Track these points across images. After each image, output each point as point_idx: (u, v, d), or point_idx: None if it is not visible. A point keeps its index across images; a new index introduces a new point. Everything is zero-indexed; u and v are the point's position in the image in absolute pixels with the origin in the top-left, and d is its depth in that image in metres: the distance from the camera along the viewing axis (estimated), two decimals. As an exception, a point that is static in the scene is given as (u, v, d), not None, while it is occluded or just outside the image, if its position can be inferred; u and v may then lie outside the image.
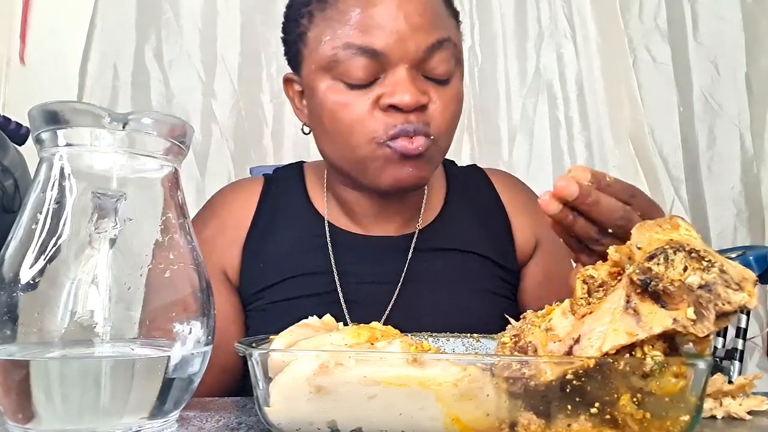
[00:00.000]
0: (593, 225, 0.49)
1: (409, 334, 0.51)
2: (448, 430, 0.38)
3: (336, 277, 0.75)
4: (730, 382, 0.49)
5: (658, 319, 0.37)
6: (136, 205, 0.42)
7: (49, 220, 0.39)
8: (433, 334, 0.53)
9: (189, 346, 0.41)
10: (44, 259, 0.38)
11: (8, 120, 0.96)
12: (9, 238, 0.40)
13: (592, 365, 0.37)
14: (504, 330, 0.46)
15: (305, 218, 0.79)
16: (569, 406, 0.37)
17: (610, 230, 0.49)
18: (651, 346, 0.38)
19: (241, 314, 0.78)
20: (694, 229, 0.40)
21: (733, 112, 1.71)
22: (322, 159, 0.78)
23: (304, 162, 0.88)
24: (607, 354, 0.37)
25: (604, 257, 0.43)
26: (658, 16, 1.76)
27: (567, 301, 0.43)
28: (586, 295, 0.43)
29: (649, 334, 0.37)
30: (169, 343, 0.40)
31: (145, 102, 1.55)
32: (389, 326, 0.48)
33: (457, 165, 0.89)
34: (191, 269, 0.43)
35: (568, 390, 0.37)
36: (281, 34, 0.76)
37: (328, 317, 0.50)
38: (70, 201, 0.40)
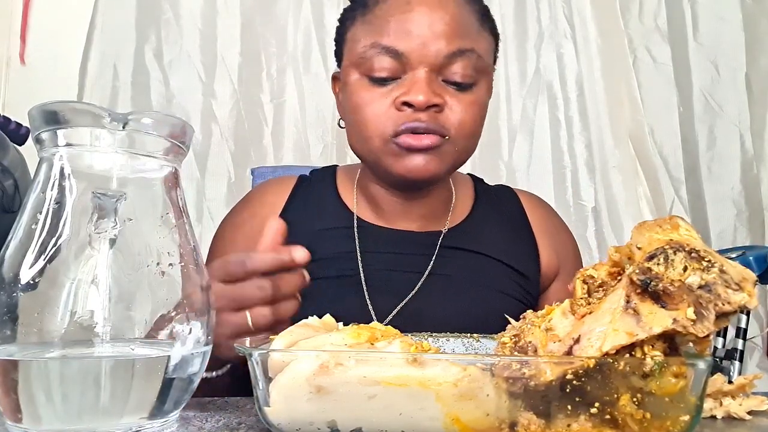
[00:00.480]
0: None
1: (410, 334, 0.51)
2: (448, 430, 0.38)
3: (360, 262, 0.78)
4: (730, 382, 0.49)
5: (658, 319, 0.37)
6: (136, 205, 0.42)
7: (49, 220, 0.39)
8: (433, 334, 0.53)
9: (189, 346, 0.41)
10: (44, 259, 0.38)
11: (8, 120, 0.96)
12: (9, 238, 0.40)
13: (592, 365, 0.37)
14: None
15: (334, 211, 0.84)
16: (569, 406, 0.37)
17: None
18: (651, 346, 0.38)
19: None
20: (694, 230, 0.40)
21: (733, 113, 1.71)
22: (351, 163, 0.85)
23: (338, 166, 0.93)
24: (607, 354, 0.37)
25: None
26: (658, 16, 1.76)
27: (567, 301, 0.43)
28: (586, 295, 0.43)
29: (649, 334, 0.37)
30: (169, 343, 0.40)
31: (145, 102, 1.55)
32: (389, 326, 0.48)
33: (486, 183, 0.94)
34: (191, 269, 0.43)
35: (568, 390, 0.37)
36: (335, 36, 0.82)
37: (328, 317, 0.50)
38: (70, 201, 0.40)
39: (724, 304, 0.37)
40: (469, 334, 0.53)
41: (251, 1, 1.62)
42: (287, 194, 0.85)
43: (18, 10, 1.62)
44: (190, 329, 0.41)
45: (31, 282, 0.38)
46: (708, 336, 0.37)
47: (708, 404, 0.48)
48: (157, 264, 0.41)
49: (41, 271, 0.38)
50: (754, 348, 1.67)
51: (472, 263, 0.81)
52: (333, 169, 0.91)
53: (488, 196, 0.89)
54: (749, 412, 0.48)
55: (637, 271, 0.38)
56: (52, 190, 0.40)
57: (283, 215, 0.83)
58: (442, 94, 0.72)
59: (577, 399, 0.37)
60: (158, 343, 0.40)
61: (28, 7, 1.62)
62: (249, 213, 0.85)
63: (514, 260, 0.82)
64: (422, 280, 0.78)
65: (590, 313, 0.41)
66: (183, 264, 0.43)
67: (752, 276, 0.37)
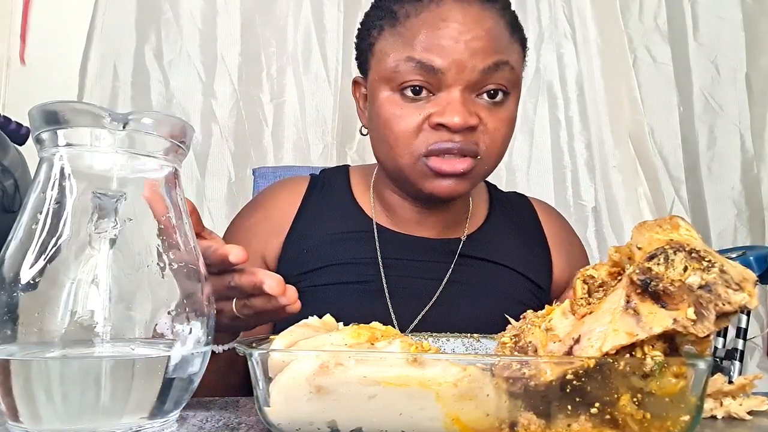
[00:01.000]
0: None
1: (410, 334, 0.51)
2: (448, 430, 0.38)
3: (381, 268, 0.78)
4: (730, 382, 0.49)
5: (658, 320, 0.37)
6: (136, 205, 0.42)
7: (49, 220, 0.39)
8: (434, 334, 0.53)
9: (189, 346, 0.41)
10: (44, 259, 0.38)
11: (8, 120, 0.96)
12: (9, 238, 0.40)
13: (592, 365, 0.37)
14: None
15: (352, 214, 0.83)
16: (569, 406, 0.37)
17: None
18: (651, 347, 0.38)
19: None
20: (694, 229, 0.40)
21: (734, 112, 1.71)
22: (364, 163, 0.85)
23: (349, 165, 0.92)
24: (607, 354, 0.37)
25: None
26: (658, 16, 1.75)
27: (567, 301, 0.43)
28: (586, 295, 0.43)
29: (649, 335, 0.37)
30: (169, 343, 0.40)
31: (145, 102, 1.55)
32: (389, 326, 0.48)
33: (500, 189, 0.93)
34: (191, 269, 0.43)
35: (568, 390, 0.37)
36: (355, 40, 0.81)
37: (328, 317, 0.50)
38: (70, 201, 0.40)
39: (724, 304, 0.37)
40: (469, 334, 0.53)
41: (251, 1, 1.62)
42: (301, 196, 0.85)
43: (18, 10, 1.62)
44: (190, 329, 0.41)
45: (32, 282, 0.38)
46: (708, 336, 0.37)
47: (708, 404, 0.48)
48: (158, 264, 0.41)
49: (41, 271, 0.38)
50: (755, 348, 1.66)
51: (489, 271, 0.81)
52: (345, 169, 0.90)
53: (503, 204, 0.89)
54: (750, 413, 0.48)
55: (638, 271, 0.38)
56: (52, 190, 0.40)
57: (297, 217, 0.82)
58: (478, 111, 0.70)
59: (578, 399, 0.37)
60: (158, 342, 0.40)
61: (28, 7, 1.62)
62: (262, 215, 0.84)
63: (529, 269, 0.82)
64: (441, 287, 0.78)
65: (590, 313, 0.41)
66: (183, 264, 0.43)
67: (752, 276, 0.37)
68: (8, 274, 0.38)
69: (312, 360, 0.38)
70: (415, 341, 0.45)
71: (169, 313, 0.41)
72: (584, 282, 0.43)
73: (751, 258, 1.23)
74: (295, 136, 1.62)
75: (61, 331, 0.37)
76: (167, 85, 1.57)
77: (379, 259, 0.78)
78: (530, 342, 0.42)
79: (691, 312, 0.37)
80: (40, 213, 0.39)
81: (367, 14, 0.79)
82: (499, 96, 0.72)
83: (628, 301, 0.39)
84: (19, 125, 0.97)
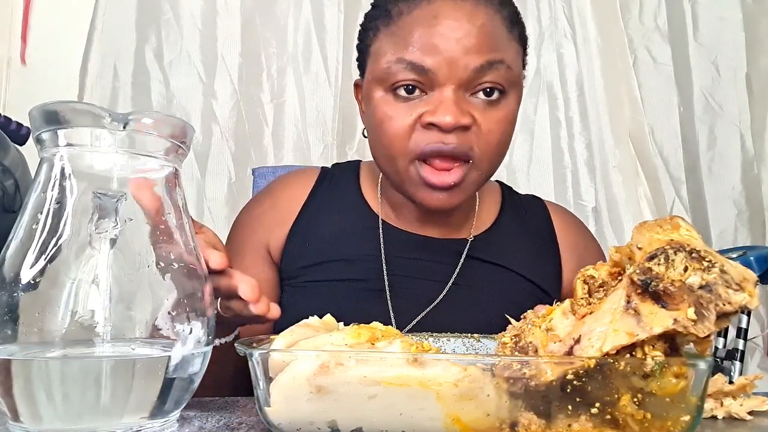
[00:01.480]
0: None
1: (410, 334, 0.51)
2: (448, 430, 0.38)
3: (384, 266, 0.77)
4: (730, 382, 0.49)
5: (658, 320, 0.37)
6: (136, 205, 0.42)
7: (49, 220, 0.39)
8: (434, 334, 0.53)
9: (189, 346, 0.41)
10: (45, 259, 0.38)
11: (9, 120, 0.96)
12: (9, 238, 0.40)
13: (592, 365, 0.37)
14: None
15: (358, 210, 0.82)
16: (570, 407, 0.37)
17: None
18: (651, 347, 0.38)
19: (276, 290, 0.80)
20: (694, 230, 0.40)
21: (734, 113, 1.71)
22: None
23: (361, 161, 0.91)
24: (607, 354, 0.37)
25: None
26: (658, 16, 1.75)
27: (567, 301, 0.43)
28: (587, 295, 0.43)
29: (650, 335, 0.37)
30: (169, 342, 0.40)
31: (146, 102, 1.55)
32: (389, 326, 0.48)
33: (516, 192, 0.92)
34: (192, 269, 0.43)
35: (568, 390, 0.37)
36: (356, 42, 0.80)
37: (328, 317, 0.50)
38: (71, 201, 0.40)
39: (724, 305, 0.37)
40: (469, 334, 0.53)
41: (251, 1, 1.62)
42: (310, 187, 0.84)
43: (18, 11, 1.62)
44: (191, 329, 0.41)
45: (32, 282, 0.38)
46: (709, 336, 0.37)
47: (709, 404, 0.48)
48: (158, 264, 0.41)
49: (42, 271, 0.38)
50: (755, 348, 1.66)
51: (494, 275, 0.79)
52: (356, 164, 0.89)
53: (515, 207, 0.87)
54: (750, 413, 0.48)
55: (638, 271, 0.38)
56: (52, 190, 0.40)
57: (303, 209, 0.82)
58: (471, 111, 0.68)
59: (578, 399, 0.37)
60: (158, 342, 0.40)
61: (28, 7, 1.62)
62: (270, 204, 0.84)
63: (537, 276, 0.81)
64: (446, 289, 0.77)
65: (591, 313, 0.41)
66: (183, 264, 0.43)
67: (753, 276, 0.37)
68: (9, 274, 0.38)
69: (312, 360, 0.38)
70: (416, 341, 0.45)
71: (169, 313, 0.41)
72: (584, 282, 0.43)
73: (752, 258, 1.22)
74: (295, 136, 1.63)
75: (62, 331, 0.37)
76: (167, 85, 1.57)
77: (383, 256, 0.77)
78: (531, 342, 0.42)
79: (691, 312, 0.37)
80: (41, 213, 0.39)
81: (365, 15, 0.78)
82: (495, 94, 0.70)
83: (628, 301, 0.39)
84: (20, 125, 0.97)
